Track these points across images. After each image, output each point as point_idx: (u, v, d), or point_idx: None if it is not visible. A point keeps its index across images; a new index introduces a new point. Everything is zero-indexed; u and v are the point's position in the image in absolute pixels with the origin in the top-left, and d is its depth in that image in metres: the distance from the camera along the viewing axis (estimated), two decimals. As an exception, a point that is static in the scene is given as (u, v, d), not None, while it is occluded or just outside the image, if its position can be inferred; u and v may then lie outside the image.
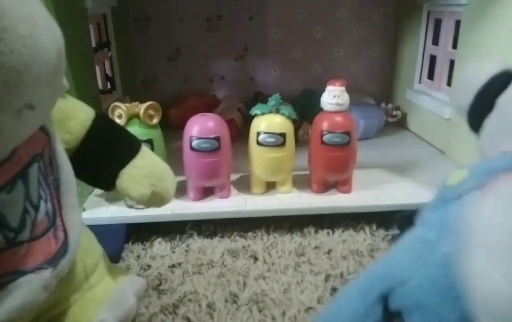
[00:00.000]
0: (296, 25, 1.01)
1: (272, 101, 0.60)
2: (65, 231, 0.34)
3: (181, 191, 0.65)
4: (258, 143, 0.60)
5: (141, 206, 0.42)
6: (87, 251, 0.39)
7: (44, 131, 0.33)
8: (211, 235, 0.61)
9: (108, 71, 0.85)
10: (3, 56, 0.23)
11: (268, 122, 0.60)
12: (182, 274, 0.52)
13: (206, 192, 0.63)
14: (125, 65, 0.92)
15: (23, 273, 0.30)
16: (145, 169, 0.40)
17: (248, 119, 0.66)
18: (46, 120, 0.33)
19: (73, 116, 0.37)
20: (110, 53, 0.84)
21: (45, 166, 0.33)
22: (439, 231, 0.32)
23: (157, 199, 0.41)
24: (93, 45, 0.74)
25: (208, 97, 1.01)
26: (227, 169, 0.62)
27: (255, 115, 0.61)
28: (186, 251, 0.57)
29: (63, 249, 0.33)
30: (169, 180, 0.43)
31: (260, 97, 0.96)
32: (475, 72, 0.39)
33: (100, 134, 0.38)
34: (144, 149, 0.42)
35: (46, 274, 0.31)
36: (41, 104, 0.28)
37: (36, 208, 0.31)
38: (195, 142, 0.58)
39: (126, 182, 0.39)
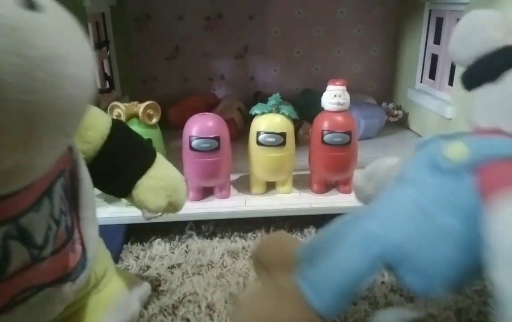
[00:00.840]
0: (296, 24, 1.01)
1: (272, 101, 0.60)
2: (82, 244, 0.34)
3: (180, 191, 0.64)
4: (258, 143, 0.60)
5: (155, 215, 0.42)
6: (98, 259, 0.39)
7: (69, 148, 0.33)
8: (211, 235, 0.60)
9: (107, 70, 0.85)
10: (56, 100, 0.22)
11: (268, 122, 0.59)
12: (182, 274, 0.51)
13: (206, 192, 0.63)
14: (124, 64, 0.92)
15: (43, 287, 0.30)
16: (162, 180, 0.40)
17: (248, 119, 0.66)
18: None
19: (92, 126, 0.37)
20: (108, 52, 0.84)
21: (66, 179, 0.33)
22: (438, 204, 0.32)
23: (170, 209, 0.42)
24: (92, 44, 0.73)
25: (207, 96, 1.01)
26: (227, 169, 0.62)
27: (255, 114, 0.61)
28: (186, 251, 0.57)
29: (82, 263, 0.33)
30: (183, 190, 0.43)
31: (260, 97, 0.96)
32: (479, 30, 0.37)
33: (118, 143, 0.38)
34: (159, 157, 0.42)
35: (65, 288, 0.32)
36: (75, 131, 0.28)
37: (58, 223, 0.31)
38: (194, 142, 0.58)
39: (143, 193, 0.39)
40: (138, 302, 0.42)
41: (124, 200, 0.60)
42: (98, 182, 0.38)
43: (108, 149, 0.37)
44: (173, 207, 0.42)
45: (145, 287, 0.45)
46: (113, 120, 0.39)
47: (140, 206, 0.39)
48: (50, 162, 0.27)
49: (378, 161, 0.43)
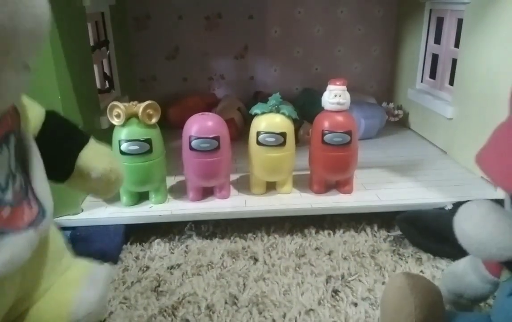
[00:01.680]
0: (296, 24, 1.01)
1: (272, 101, 0.60)
2: (38, 201, 0.36)
3: (180, 191, 0.64)
4: (258, 143, 0.59)
5: (101, 190, 0.45)
6: (54, 232, 0.42)
7: (16, 111, 0.36)
8: (211, 235, 0.60)
9: (106, 70, 0.85)
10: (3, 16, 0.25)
11: (268, 121, 0.59)
12: (181, 275, 0.51)
13: (206, 192, 0.63)
14: (124, 64, 0.92)
15: (8, 232, 0.32)
16: (101, 149, 0.45)
17: (248, 119, 0.66)
18: (19, 99, 0.36)
19: (29, 107, 0.40)
20: (108, 52, 0.84)
21: (17, 142, 0.36)
22: None
23: (113, 177, 0.44)
24: (91, 44, 0.73)
25: (207, 96, 1.01)
26: (226, 169, 0.61)
27: (255, 114, 0.61)
28: (185, 252, 0.56)
29: (41, 214, 0.36)
30: (119, 161, 0.47)
31: (260, 97, 0.95)
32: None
33: (57, 125, 0.42)
34: (91, 138, 0.45)
35: (29, 233, 0.34)
36: (30, 70, 0.31)
37: (14, 177, 0.34)
38: (194, 142, 0.57)
39: (87, 159, 0.42)
40: (105, 281, 0.42)
41: (124, 199, 0.60)
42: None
43: (47, 130, 0.40)
44: (115, 174, 0.44)
45: (106, 267, 0.45)
46: (47, 110, 0.42)
47: (87, 171, 0.42)
48: (15, 96, 0.31)
49: (452, 267, 0.43)
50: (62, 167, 0.42)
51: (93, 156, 0.43)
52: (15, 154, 0.35)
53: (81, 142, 0.43)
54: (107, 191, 0.45)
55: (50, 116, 0.41)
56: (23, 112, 0.38)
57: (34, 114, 0.40)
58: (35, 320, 0.37)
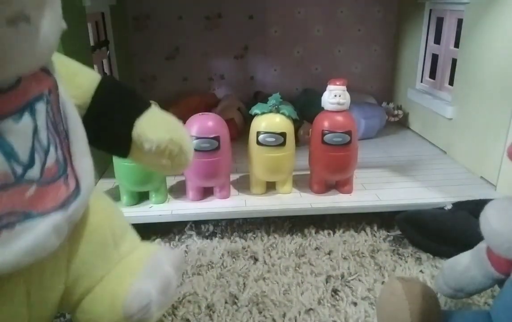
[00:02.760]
0: (296, 24, 1.01)
1: (272, 101, 0.60)
2: (76, 178, 0.33)
3: (180, 191, 0.64)
4: (258, 143, 0.59)
5: (165, 163, 0.39)
6: (112, 218, 0.38)
7: (47, 72, 0.32)
8: (211, 235, 0.60)
9: (106, 70, 0.85)
10: None
11: (268, 121, 0.59)
12: (181, 275, 0.51)
13: (206, 192, 0.63)
14: (124, 64, 0.92)
15: (32, 215, 0.29)
16: (161, 117, 0.40)
17: (248, 119, 0.66)
18: (48, 60, 0.32)
19: (80, 73, 0.36)
20: (108, 52, 0.84)
21: (53, 113, 0.32)
22: None
23: (175, 149, 0.39)
24: (91, 44, 0.73)
25: (207, 96, 1.01)
26: (226, 169, 0.61)
27: (255, 114, 0.61)
28: (186, 251, 0.56)
29: (75, 193, 0.32)
30: (184, 130, 0.41)
31: (260, 97, 0.96)
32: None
33: (110, 89, 0.38)
34: (154, 106, 0.41)
35: (56, 217, 0.30)
36: (38, 19, 0.27)
37: (46, 151, 0.30)
38: (194, 142, 0.57)
39: (142, 127, 0.37)
40: (170, 267, 0.37)
41: (124, 199, 0.60)
42: (97, 135, 0.37)
43: (102, 95, 0.37)
44: (178, 146, 0.39)
45: (176, 253, 0.41)
46: (102, 75, 0.39)
47: (140, 142, 0.37)
48: (17, 56, 0.26)
49: (452, 262, 0.42)
50: (118, 138, 0.37)
51: (149, 125, 0.38)
52: (51, 124, 0.31)
53: (139, 109, 0.38)
54: (173, 165, 0.39)
55: (105, 82, 0.37)
56: (65, 76, 0.34)
57: (85, 80, 0.36)
58: (88, 312, 0.34)
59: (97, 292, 0.35)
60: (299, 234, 0.60)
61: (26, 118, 0.29)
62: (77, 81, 0.36)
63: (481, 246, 0.38)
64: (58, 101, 0.33)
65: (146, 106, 0.39)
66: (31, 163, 0.29)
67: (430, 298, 0.36)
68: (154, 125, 0.38)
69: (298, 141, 0.73)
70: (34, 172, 0.29)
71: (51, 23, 0.29)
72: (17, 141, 0.28)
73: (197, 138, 0.57)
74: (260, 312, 0.45)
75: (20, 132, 0.28)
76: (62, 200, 0.31)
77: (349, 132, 0.59)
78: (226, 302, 0.46)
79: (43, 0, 0.28)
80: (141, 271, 0.35)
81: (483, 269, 0.39)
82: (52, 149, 0.31)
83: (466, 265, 0.40)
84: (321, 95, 0.61)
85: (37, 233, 0.28)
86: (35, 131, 0.30)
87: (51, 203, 0.30)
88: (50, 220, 0.29)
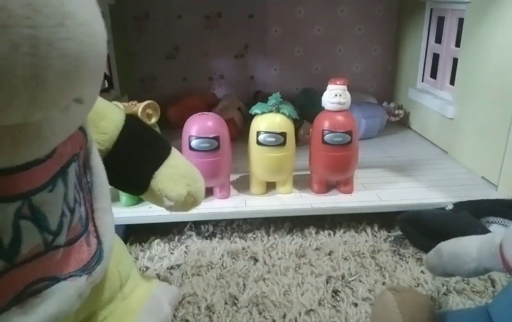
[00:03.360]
0: (296, 23, 1.01)
1: (272, 100, 0.59)
2: (97, 237, 0.33)
3: (180, 191, 0.64)
4: (258, 143, 0.59)
5: (176, 208, 0.41)
6: (121, 259, 0.38)
7: (82, 131, 0.32)
8: (211, 236, 0.60)
9: (105, 70, 0.84)
10: (63, 42, 0.21)
11: (268, 121, 0.59)
12: (181, 275, 0.51)
13: (206, 192, 0.62)
14: (123, 64, 0.91)
15: (58, 279, 0.29)
16: (180, 169, 0.40)
17: (248, 119, 0.66)
18: (85, 119, 0.32)
19: (106, 117, 0.36)
20: (107, 51, 0.83)
21: (79, 167, 0.32)
22: None
23: (190, 200, 0.41)
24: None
25: (207, 96, 1.00)
26: (226, 169, 0.61)
27: (255, 114, 0.60)
28: (185, 252, 0.56)
29: (98, 255, 0.32)
30: (201, 181, 0.43)
31: (260, 96, 0.95)
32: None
33: (133, 135, 0.38)
34: (174, 150, 0.41)
35: (80, 282, 0.30)
36: (88, 99, 0.27)
37: (72, 211, 0.30)
38: (194, 142, 0.57)
39: (162, 182, 0.38)
40: (168, 306, 0.40)
41: (123, 199, 0.59)
42: (115, 178, 0.37)
43: (124, 141, 0.37)
44: (193, 198, 0.41)
45: (174, 290, 0.44)
46: (127, 114, 0.39)
47: (160, 196, 0.38)
48: (60, 131, 0.26)
49: (454, 250, 0.40)
50: (136, 184, 0.38)
51: (170, 177, 0.39)
52: (78, 183, 0.31)
53: (160, 157, 0.39)
54: (181, 210, 0.41)
55: (128, 127, 0.37)
56: (92, 121, 0.34)
57: (110, 124, 0.36)
58: None
59: None
60: (299, 234, 0.60)
61: (59, 185, 0.29)
62: (103, 126, 0.36)
63: (495, 240, 0.36)
64: (86, 154, 0.33)
65: (167, 153, 0.40)
66: (59, 230, 0.29)
67: (424, 306, 0.36)
68: (174, 180, 0.39)
69: (298, 141, 0.73)
70: (61, 237, 0.29)
71: (95, 94, 0.29)
72: (50, 211, 0.28)
73: (197, 138, 0.57)
74: (260, 313, 0.45)
75: (53, 201, 0.28)
76: (85, 261, 0.31)
77: (349, 132, 0.59)
78: (226, 303, 0.46)
79: (99, 80, 0.27)
80: (142, 311, 0.37)
81: (491, 262, 0.37)
82: (77, 207, 0.31)
83: (473, 258, 0.38)
84: (321, 95, 0.61)
85: (62, 298, 0.29)
86: (65, 196, 0.30)
87: (74, 265, 0.30)
88: (74, 284, 0.30)
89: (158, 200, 0.39)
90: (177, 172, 0.40)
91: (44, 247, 0.28)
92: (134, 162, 0.38)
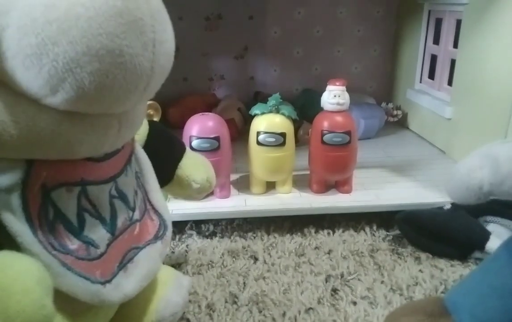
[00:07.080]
0: (296, 24, 1.01)
1: (272, 101, 0.60)
2: (156, 212, 0.39)
3: (180, 190, 0.64)
4: (258, 143, 0.60)
5: (195, 196, 0.49)
6: None
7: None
8: (211, 235, 0.60)
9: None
10: (166, 43, 0.28)
11: (268, 122, 0.59)
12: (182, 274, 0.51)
13: (206, 192, 0.63)
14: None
15: (141, 248, 0.35)
16: (197, 159, 0.49)
17: (248, 119, 0.66)
18: None
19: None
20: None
21: (135, 158, 0.38)
22: None
23: (207, 186, 0.48)
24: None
25: (207, 96, 1.01)
26: (227, 169, 0.62)
27: (255, 115, 0.61)
28: (186, 251, 0.57)
29: (163, 226, 0.39)
30: (213, 170, 0.50)
31: (260, 97, 0.96)
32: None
33: (158, 135, 0.45)
34: (188, 149, 0.49)
35: (158, 246, 0.37)
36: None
37: (137, 194, 0.37)
38: (194, 142, 0.58)
39: (188, 169, 0.46)
40: (187, 293, 0.43)
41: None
42: None
43: (152, 140, 0.43)
44: (209, 183, 0.49)
45: (188, 278, 0.46)
46: (148, 120, 0.45)
47: (188, 181, 0.46)
48: (133, 125, 0.33)
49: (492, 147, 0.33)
50: (163, 175, 0.44)
51: (192, 166, 0.47)
52: (135, 170, 0.38)
53: (181, 152, 0.47)
54: (200, 196, 0.50)
55: (153, 129, 0.44)
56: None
57: (142, 128, 0.43)
58: (125, 314, 0.39)
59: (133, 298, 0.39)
60: (298, 233, 0.60)
61: (129, 171, 0.36)
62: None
63: None
64: (133, 148, 0.39)
65: (184, 148, 0.48)
66: (134, 207, 0.36)
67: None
68: (196, 167, 0.48)
69: (298, 141, 0.73)
70: (136, 213, 0.36)
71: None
72: (129, 191, 0.35)
73: (197, 138, 0.57)
74: (260, 311, 0.45)
75: (128, 183, 0.35)
76: (155, 232, 0.38)
77: (348, 133, 0.59)
78: (226, 302, 0.47)
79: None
80: (171, 284, 0.41)
81: None
82: (138, 190, 0.38)
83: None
84: (321, 95, 0.61)
85: (150, 260, 0.36)
86: (132, 178, 0.36)
87: (147, 236, 0.37)
88: (154, 248, 0.36)
89: (184, 186, 0.46)
90: (196, 161, 0.48)
91: (129, 221, 0.35)
92: (162, 156, 0.44)
